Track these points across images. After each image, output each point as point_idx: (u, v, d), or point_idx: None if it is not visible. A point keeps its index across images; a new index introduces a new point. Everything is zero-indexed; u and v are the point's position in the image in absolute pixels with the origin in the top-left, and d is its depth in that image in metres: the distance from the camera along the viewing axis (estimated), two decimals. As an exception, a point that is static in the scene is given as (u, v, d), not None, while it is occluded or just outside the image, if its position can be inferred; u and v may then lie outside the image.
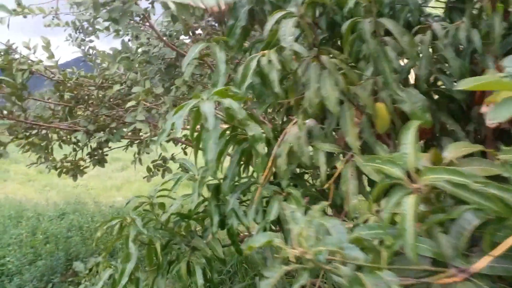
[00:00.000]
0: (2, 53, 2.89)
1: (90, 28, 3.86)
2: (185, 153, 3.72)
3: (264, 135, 1.29)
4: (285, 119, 1.65)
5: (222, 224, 1.64)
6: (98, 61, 3.60)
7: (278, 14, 1.26)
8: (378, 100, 1.26)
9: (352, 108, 1.27)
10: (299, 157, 1.30)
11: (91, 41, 3.86)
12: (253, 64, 1.31)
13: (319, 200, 1.32)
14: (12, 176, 9.06)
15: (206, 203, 1.67)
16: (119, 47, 3.16)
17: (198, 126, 1.27)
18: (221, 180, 1.53)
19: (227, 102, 1.22)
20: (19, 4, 2.82)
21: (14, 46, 2.96)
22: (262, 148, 1.26)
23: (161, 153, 3.63)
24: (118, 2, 2.47)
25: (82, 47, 3.84)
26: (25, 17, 2.92)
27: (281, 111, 1.61)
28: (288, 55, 1.19)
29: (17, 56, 2.95)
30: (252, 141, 1.26)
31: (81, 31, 3.86)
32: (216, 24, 2.89)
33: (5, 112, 2.87)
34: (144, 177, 3.64)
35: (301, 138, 1.30)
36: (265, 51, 1.32)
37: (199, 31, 3.12)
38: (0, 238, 4.39)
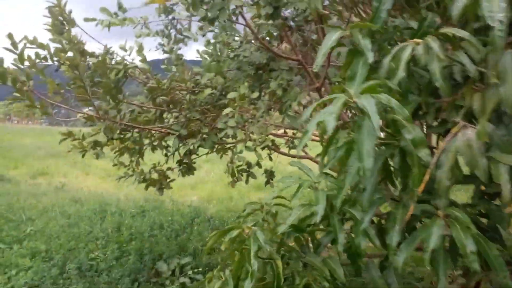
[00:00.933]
0: (98, 56, 2.95)
1: (179, 36, 3.89)
2: (270, 159, 3.61)
3: (425, 139, 1.10)
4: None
5: (334, 240, 1.49)
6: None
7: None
8: None
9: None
10: (471, 169, 1.08)
11: (179, 48, 3.89)
12: (405, 54, 1.13)
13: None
14: (93, 170, 9.63)
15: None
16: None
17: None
18: (350, 192, 1.37)
19: (385, 98, 1.05)
20: (120, 7, 2.86)
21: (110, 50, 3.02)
22: (425, 154, 1.07)
23: (245, 158, 3.56)
24: None
25: (171, 55, 3.86)
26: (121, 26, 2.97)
27: (430, 112, 1.39)
28: (498, 39, 0.95)
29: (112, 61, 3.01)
30: (410, 146, 1.07)
31: (170, 39, 3.89)
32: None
33: (100, 112, 2.93)
34: (228, 183, 3.59)
35: (473, 147, 1.08)
36: (418, 40, 1.13)
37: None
38: (89, 232, 4.60)
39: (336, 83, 2.69)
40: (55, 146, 11.72)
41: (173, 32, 3.79)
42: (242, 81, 3.05)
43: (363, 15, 2.54)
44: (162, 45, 3.86)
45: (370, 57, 1.31)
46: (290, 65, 3.01)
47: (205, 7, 2.41)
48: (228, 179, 3.47)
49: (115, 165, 3.46)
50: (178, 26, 3.75)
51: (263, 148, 2.62)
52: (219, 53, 2.91)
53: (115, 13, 2.92)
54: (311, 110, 1.29)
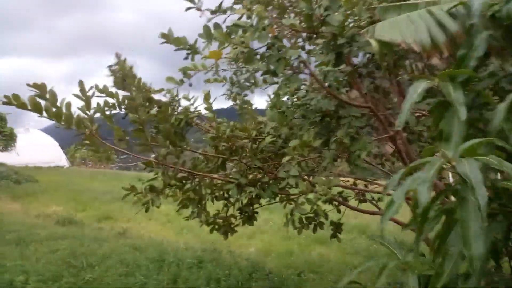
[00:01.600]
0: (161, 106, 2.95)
1: (247, 83, 3.88)
2: (338, 211, 3.34)
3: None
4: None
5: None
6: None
7: None
8: None
9: None
10: None
11: (245, 95, 3.88)
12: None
13: None
14: (156, 215, 9.77)
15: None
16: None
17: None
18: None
19: (494, 161, 0.83)
20: (185, 73, 2.85)
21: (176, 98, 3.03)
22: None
23: (305, 210, 3.32)
24: (275, 50, 2.28)
25: (238, 101, 3.86)
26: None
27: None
28: None
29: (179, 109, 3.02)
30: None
31: (237, 85, 3.91)
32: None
33: (159, 158, 2.89)
34: (295, 229, 3.35)
35: None
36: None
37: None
38: (145, 282, 4.50)
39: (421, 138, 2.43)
40: (121, 191, 12.19)
41: (241, 78, 3.80)
42: (307, 128, 2.89)
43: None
44: (230, 91, 3.87)
45: (463, 113, 1.13)
46: (362, 112, 2.82)
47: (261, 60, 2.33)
48: (288, 232, 3.23)
49: (178, 210, 3.38)
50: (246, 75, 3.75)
51: (325, 202, 2.38)
52: (282, 103, 2.80)
53: (181, 80, 2.91)
54: (400, 175, 1.08)
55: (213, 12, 2.03)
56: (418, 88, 1.32)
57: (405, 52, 1.57)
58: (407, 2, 1.68)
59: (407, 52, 1.44)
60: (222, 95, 3.85)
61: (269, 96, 3.75)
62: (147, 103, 2.77)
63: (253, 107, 3.91)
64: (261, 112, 3.69)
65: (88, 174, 19.42)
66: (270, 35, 1.86)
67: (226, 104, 4.20)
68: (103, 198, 12.09)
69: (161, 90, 2.78)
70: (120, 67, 2.38)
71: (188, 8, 2.41)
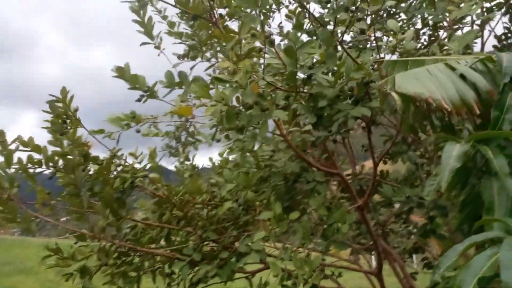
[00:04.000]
0: (103, 162, 2.48)
1: (190, 139, 3.54)
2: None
3: None
4: None
5: None
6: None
7: None
8: None
9: None
10: None
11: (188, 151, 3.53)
12: None
13: None
14: (66, 291, 8.45)
15: None
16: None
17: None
18: None
19: None
20: (134, 117, 2.48)
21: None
22: None
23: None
24: (257, 109, 2.00)
25: (180, 159, 3.48)
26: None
27: None
28: None
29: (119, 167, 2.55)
30: None
31: (178, 141, 3.55)
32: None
33: (96, 229, 2.34)
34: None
35: None
36: None
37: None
38: None
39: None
40: (26, 261, 10.51)
41: (183, 134, 3.45)
42: (268, 193, 2.58)
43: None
44: (170, 147, 3.48)
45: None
46: (328, 178, 2.59)
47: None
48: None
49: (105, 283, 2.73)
50: (191, 129, 3.41)
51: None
52: (247, 163, 2.48)
53: (127, 124, 2.52)
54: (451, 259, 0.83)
55: (183, 57, 1.73)
56: (453, 151, 1.11)
57: (428, 109, 1.39)
58: (414, 58, 1.53)
59: (430, 109, 1.26)
60: (161, 151, 3.44)
61: (220, 154, 3.43)
62: (83, 160, 2.28)
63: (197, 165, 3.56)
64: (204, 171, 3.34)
65: (-16, 240, 16.77)
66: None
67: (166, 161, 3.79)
68: (3, 271, 10.35)
69: (102, 131, 2.32)
70: (63, 105, 1.92)
71: (144, 43, 2.10)
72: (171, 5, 1.68)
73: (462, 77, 1.25)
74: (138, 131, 2.55)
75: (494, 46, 2.39)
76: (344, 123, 2.14)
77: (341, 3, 1.68)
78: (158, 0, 1.60)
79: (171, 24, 2.46)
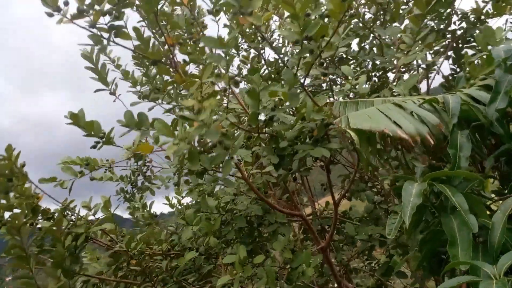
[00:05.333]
0: (55, 215, 2.31)
1: (147, 183, 3.43)
2: None
3: None
4: None
5: None
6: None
7: None
8: None
9: None
10: None
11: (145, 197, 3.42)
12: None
13: None
14: None
15: None
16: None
17: None
18: None
19: None
20: (87, 164, 2.37)
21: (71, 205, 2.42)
22: None
23: None
24: (220, 148, 1.97)
25: (135, 205, 3.36)
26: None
27: None
28: None
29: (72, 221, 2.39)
30: None
31: (134, 186, 3.42)
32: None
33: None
34: None
35: None
36: None
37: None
38: None
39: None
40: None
41: (140, 179, 3.34)
42: (231, 236, 2.52)
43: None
44: (124, 191, 3.34)
45: (475, 225, 1.06)
46: (289, 219, 2.58)
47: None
48: None
49: None
50: (148, 173, 3.32)
51: None
52: (208, 208, 2.41)
53: (80, 172, 2.41)
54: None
55: (144, 97, 1.70)
56: (412, 189, 1.17)
57: (385, 144, 1.44)
58: (363, 99, 1.60)
59: (386, 144, 1.31)
60: (115, 195, 3.32)
61: (178, 199, 3.33)
62: (31, 215, 2.11)
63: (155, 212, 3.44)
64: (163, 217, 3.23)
65: None
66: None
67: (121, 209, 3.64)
68: None
69: (53, 179, 2.17)
70: (8, 162, 1.78)
71: (98, 90, 2.05)
72: (130, 49, 1.66)
73: (412, 114, 1.33)
74: (92, 179, 2.43)
75: (442, 85, 2.59)
76: (303, 161, 2.17)
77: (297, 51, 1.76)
78: (115, 44, 1.57)
79: (126, 73, 2.44)
